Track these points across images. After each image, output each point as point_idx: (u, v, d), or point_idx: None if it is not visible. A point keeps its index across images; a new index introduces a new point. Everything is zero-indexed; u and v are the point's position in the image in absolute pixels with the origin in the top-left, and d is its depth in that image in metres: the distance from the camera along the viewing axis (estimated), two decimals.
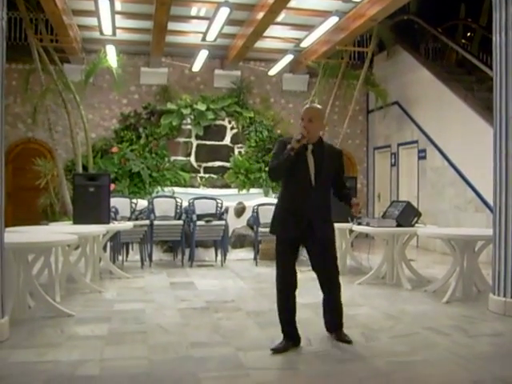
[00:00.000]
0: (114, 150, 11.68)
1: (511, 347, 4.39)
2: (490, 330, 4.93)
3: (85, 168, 11.02)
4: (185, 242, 8.87)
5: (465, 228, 8.38)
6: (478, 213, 9.48)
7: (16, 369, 3.76)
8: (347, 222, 7.48)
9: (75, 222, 7.26)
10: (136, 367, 3.80)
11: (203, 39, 10.65)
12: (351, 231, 8.01)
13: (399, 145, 12.42)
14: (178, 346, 4.34)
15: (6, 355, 4.03)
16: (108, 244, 8.30)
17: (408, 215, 6.96)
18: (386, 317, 5.37)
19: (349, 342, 4.36)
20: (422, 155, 11.45)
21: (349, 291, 6.70)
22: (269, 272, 8.20)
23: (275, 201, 10.55)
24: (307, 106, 4.46)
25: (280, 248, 4.38)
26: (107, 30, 9.90)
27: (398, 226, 6.86)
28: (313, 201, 4.25)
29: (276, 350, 4.13)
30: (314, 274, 7.99)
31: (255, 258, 8.98)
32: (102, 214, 7.31)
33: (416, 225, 7.04)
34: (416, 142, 11.66)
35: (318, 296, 6.27)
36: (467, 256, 6.21)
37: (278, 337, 4.56)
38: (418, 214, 7.07)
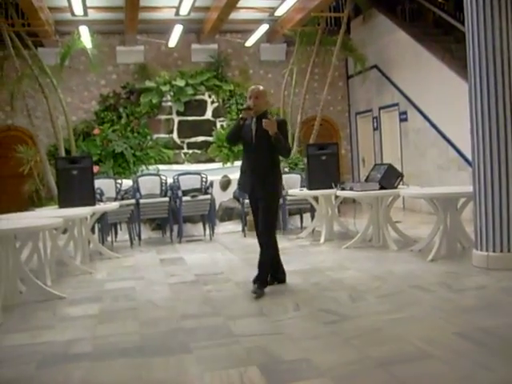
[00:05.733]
0: (96, 131, 11.61)
1: (493, 299, 4.51)
2: (473, 284, 5.05)
3: (67, 152, 10.95)
4: (172, 218, 8.91)
5: (447, 186, 8.48)
6: (461, 171, 9.58)
7: (10, 352, 3.82)
8: (331, 187, 7.57)
9: (61, 206, 7.29)
10: (128, 342, 3.87)
11: (177, 14, 10.55)
12: (336, 197, 8.08)
13: (380, 108, 12.44)
14: (169, 319, 4.42)
15: (0, 339, 4.10)
16: (96, 226, 8.34)
17: (390, 177, 7.03)
18: (372, 278, 5.47)
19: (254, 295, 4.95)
20: (403, 117, 11.49)
21: (336, 255, 6.83)
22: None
23: None
24: (251, 87, 5.29)
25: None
26: (78, 10, 9.77)
27: (381, 188, 6.93)
28: (254, 162, 5.11)
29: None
30: (301, 242, 8.17)
31: (243, 230, 9.05)
32: (87, 196, 7.33)
33: (399, 186, 7.12)
34: (397, 104, 11.69)
35: (305, 263, 6.44)
36: (450, 214, 6.31)
37: (266, 304, 4.67)
38: (401, 176, 7.15)
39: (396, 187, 7.07)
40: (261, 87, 5.28)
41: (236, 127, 5.15)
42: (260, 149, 5.04)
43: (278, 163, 5.24)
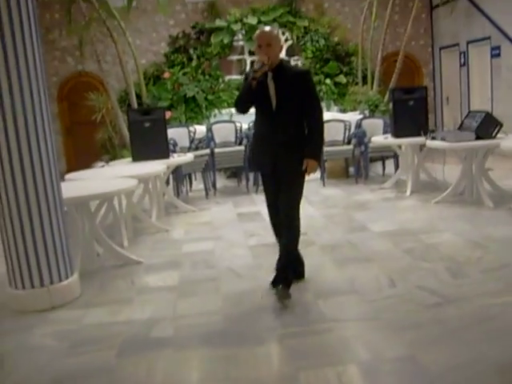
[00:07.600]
0: (166, 75, 11.29)
1: None
2: None
3: (138, 96, 10.71)
4: (249, 167, 8.58)
5: None
6: None
7: (91, 332, 3.67)
8: (419, 135, 6.97)
9: (134, 159, 7.10)
10: (210, 324, 3.60)
11: None
12: (423, 146, 7.45)
13: (469, 42, 11.40)
14: (252, 294, 4.12)
15: (81, 316, 3.95)
16: (170, 176, 8.14)
17: (488, 126, 6.34)
18: (471, 245, 4.92)
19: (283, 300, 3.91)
20: (495, 53, 10.47)
21: (426, 212, 6.31)
22: (337, 194, 7.90)
23: (339, 115, 9.95)
24: (260, 30, 4.05)
25: (262, 181, 4.32)
26: None
27: (477, 138, 6.29)
28: (276, 129, 3.97)
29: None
30: (386, 193, 7.68)
31: (322, 178, 8.63)
32: (161, 149, 7.08)
33: (497, 136, 6.43)
34: (488, 38, 10.64)
35: (393, 222, 5.97)
36: None
37: (357, 276, 4.30)
38: (500, 125, 6.44)
39: (494, 137, 6.38)
40: (275, 31, 4.06)
41: (247, 91, 3.88)
42: (283, 112, 3.93)
43: (304, 125, 4.04)
